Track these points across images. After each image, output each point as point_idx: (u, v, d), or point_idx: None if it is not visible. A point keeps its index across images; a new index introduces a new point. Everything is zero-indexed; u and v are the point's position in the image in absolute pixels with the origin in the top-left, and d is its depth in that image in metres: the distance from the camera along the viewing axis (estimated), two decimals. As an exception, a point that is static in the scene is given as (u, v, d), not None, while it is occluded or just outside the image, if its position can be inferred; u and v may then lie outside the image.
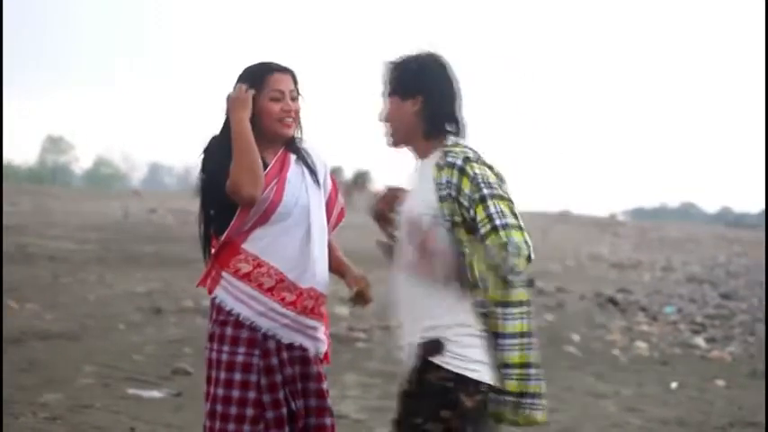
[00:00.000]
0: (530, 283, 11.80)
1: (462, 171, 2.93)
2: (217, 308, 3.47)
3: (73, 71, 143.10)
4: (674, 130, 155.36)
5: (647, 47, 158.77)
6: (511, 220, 2.87)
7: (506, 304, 2.97)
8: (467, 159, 2.94)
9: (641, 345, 10.47)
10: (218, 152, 3.40)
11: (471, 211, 2.90)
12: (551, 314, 12.53)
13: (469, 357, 2.94)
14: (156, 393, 6.81)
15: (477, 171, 2.93)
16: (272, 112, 3.44)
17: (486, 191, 2.90)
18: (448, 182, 2.93)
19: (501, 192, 2.92)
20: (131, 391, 6.82)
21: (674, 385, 8.31)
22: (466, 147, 3.02)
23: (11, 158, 66.29)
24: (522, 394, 2.96)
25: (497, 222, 2.85)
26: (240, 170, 3.31)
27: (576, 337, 10.66)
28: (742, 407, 7.52)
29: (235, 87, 3.44)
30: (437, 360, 2.94)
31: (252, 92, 3.41)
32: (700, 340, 11.02)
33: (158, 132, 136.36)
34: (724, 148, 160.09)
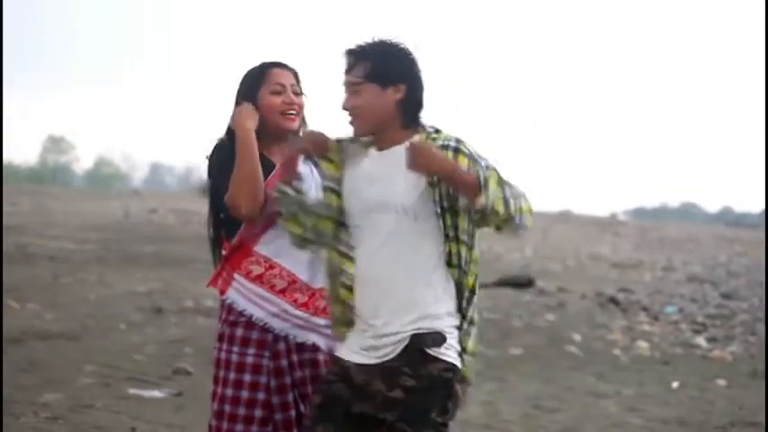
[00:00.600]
0: (530, 283, 11.81)
1: (457, 150, 2.92)
2: (227, 308, 3.46)
3: (73, 71, 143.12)
4: (674, 129, 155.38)
5: (647, 47, 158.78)
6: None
7: (472, 291, 3.04)
8: (458, 141, 2.96)
9: (642, 344, 10.47)
10: (219, 158, 3.39)
11: None
12: (552, 314, 12.53)
13: (455, 347, 2.98)
14: (156, 393, 6.81)
15: (471, 149, 2.95)
16: (273, 105, 3.42)
17: (483, 163, 2.92)
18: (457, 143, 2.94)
19: (496, 166, 2.95)
20: (132, 390, 6.81)
21: (675, 385, 8.31)
22: (447, 133, 3.02)
23: (11, 158, 66.32)
24: (467, 381, 3.04)
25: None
26: (240, 186, 3.27)
27: (576, 337, 10.66)
28: (743, 407, 7.52)
29: (239, 99, 3.45)
30: (433, 351, 2.93)
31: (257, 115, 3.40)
32: (701, 340, 11.01)
33: (159, 132, 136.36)
34: (724, 148, 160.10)
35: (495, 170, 2.90)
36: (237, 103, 3.47)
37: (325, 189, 3.11)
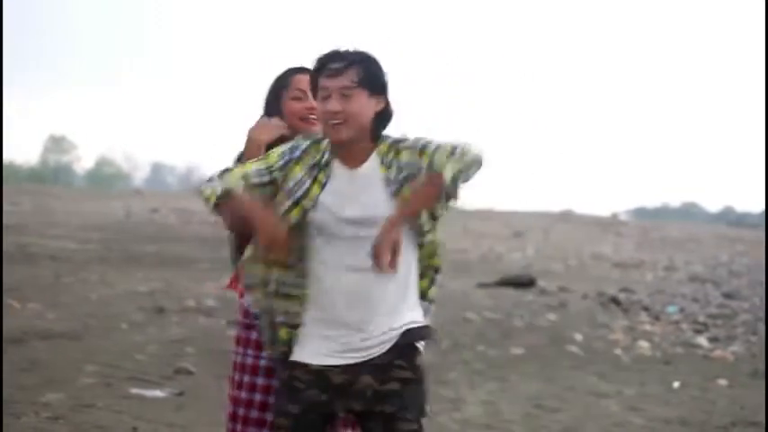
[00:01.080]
0: (531, 283, 11.82)
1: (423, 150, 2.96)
2: (244, 311, 3.50)
3: (73, 71, 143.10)
4: (675, 129, 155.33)
5: (648, 46, 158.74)
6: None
7: (438, 271, 3.13)
8: (409, 141, 3.00)
9: (644, 344, 10.46)
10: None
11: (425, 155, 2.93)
12: (554, 314, 12.53)
13: None
14: (158, 393, 6.81)
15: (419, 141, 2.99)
16: (294, 111, 3.46)
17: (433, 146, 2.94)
18: (407, 164, 2.93)
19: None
20: (134, 390, 6.82)
21: (676, 385, 8.31)
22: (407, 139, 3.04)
23: (13, 158, 66.35)
24: None
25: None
26: None
27: (578, 337, 10.66)
28: (744, 406, 7.51)
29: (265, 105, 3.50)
30: (419, 344, 3.01)
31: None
32: (702, 340, 11.01)
33: (160, 132, 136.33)
34: (726, 148, 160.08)
35: (444, 147, 2.89)
36: (264, 107, 3.51)
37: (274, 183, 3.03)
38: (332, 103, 2.92)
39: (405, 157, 2.95)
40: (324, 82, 2.94)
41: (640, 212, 77.12)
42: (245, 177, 2.97)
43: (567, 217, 41.76)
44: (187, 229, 23.46)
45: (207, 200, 2.95)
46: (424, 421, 3.01)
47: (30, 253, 15.61)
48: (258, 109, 3.57)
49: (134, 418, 6.04)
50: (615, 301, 14.31)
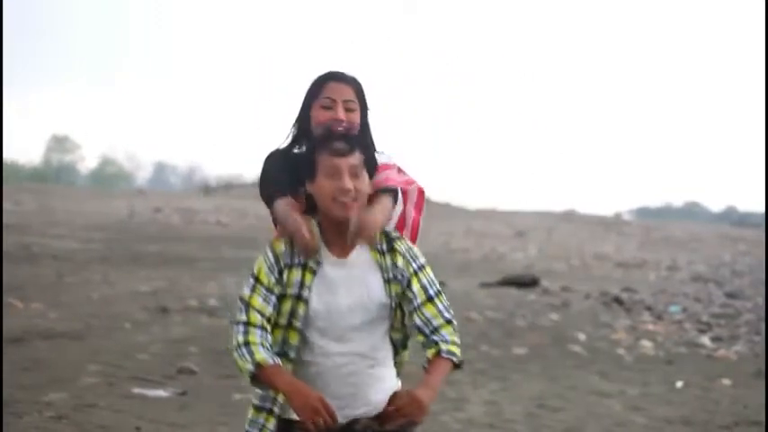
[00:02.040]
0: (534, 282, 11.78)
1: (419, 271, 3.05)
2: None
3: (76, 71, 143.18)
4: (678, 128, 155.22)
5: (650, 45, 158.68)
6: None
7: None
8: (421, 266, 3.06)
9: (646, 344, 10.46)
10: (271, 168, 3.36)
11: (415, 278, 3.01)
12: (556, 313, 12.53)
13: None
14: (160, 392, 6.81)
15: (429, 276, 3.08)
16: (320, 120, 3.30)
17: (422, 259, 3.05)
18: (412, 257, 3.02)
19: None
20: (136, 390, 6.82)
21: (679, 384, 8.31)
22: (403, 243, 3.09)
23: (16, 158, 66.35)
24: None
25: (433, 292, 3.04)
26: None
27: (581, 337, 10.66)
28: (747, 406, 7.51)
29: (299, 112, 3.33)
30: None
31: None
32: (705, 339, 11.01)
33: (163, 132, 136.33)
34: (729, 147, 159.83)
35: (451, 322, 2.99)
36: (297, 118, 3.39)
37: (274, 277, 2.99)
38: (346, 180, 2.92)
39: (400, 261, 3.00)
40: (333, 160, 2.94)
41: (643, 212, 77.05)
42: (264, 317, 2.95)
43: (569, 217, 41.74)
44: (190, 228, 23.48)
45: (245, 375, 2.93)
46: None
47: (32, 252, 15.63)
48: (285, 119, 3.45)
49: (136, 417, 6.04)
50: (618, 300, 14.31)
